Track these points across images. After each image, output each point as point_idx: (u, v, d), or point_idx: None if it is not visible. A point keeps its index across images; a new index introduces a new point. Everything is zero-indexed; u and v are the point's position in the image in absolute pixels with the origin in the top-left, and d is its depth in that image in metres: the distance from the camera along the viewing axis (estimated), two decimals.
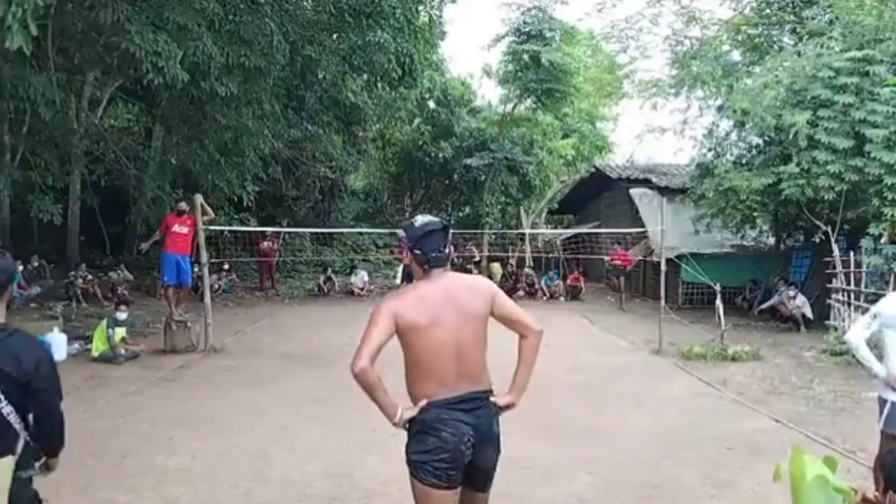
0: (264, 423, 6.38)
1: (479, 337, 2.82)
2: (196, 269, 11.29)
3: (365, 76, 17.54)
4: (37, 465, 2.71)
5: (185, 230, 10.34)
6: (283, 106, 17.10)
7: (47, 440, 2.70)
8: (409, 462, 2.79)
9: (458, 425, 2.72)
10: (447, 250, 2.86)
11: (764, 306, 13.91)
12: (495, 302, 2.87)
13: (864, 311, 10.36)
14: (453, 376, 2.76)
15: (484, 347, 2.85)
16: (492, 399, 2.85)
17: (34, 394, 2.54)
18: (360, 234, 21.17)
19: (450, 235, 2.91)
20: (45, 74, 11.58)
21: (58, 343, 9.22)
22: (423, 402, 2.75)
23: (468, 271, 16.51)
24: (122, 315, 9.73)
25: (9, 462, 2.48)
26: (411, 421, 2.78)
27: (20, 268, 12.66)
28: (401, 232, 2.96)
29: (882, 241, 10.52)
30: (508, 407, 2.90)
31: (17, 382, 2.48)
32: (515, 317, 2.90)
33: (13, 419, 2.50)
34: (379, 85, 18.00)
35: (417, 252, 2.83)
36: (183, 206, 10.64)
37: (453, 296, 2.79)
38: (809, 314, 12.46)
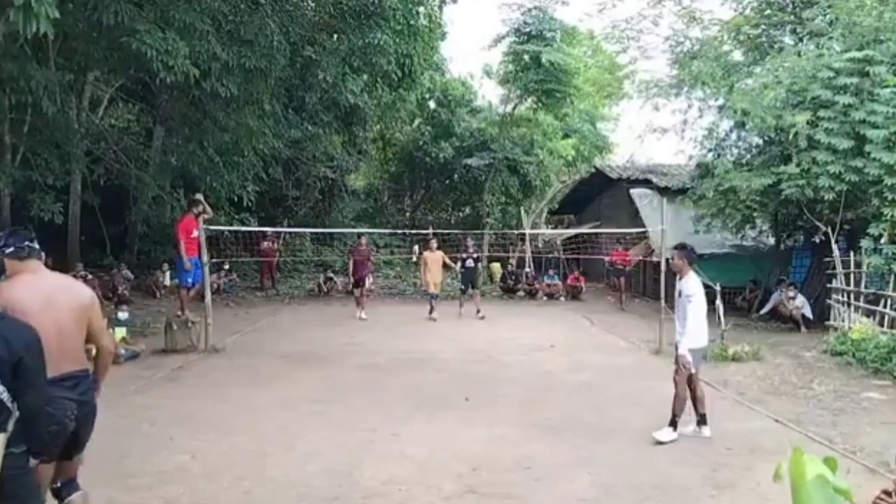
0: (264, 423, 6.38)
1: (78, 325, 3.33)
2: None
3: (365, 77, 17.55)
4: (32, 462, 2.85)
5: (197, 232, 10.35)
6: (284, 106, 17.10)
7: (32, 434, 2.78)
8: None
9: (62, 402, 3.10)
10: (28, 244, 3.37)
11: (764, 310, 13.80)
12: (94, 310, 3.46)
13: (864, 311, 10.45)
14: (56, 357, 3.10)
15: (83, 336, 3.38)
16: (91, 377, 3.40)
17: (23, 377, 2.69)
18: (361, 234, 21.09)
19: (32, 234, 3.41)
20: (46, 71, 11.57)
21: None
22: None
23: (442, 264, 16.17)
24: (122, 315, 9.74)
25: (1, 439, 2.64)
26: None
27: None
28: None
29: (882, 241, 10.51)
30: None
31: (7, 363, 2.67)
32: (97, 331, 3.49)
33: (5, 397, 2.67)
34: (379, 86, 18.01)
35: (10, 249, 3.31)
36: (201, 207, 10.39)
37: (56, 288, 3.35)
38: (809, 314, 12.46)
